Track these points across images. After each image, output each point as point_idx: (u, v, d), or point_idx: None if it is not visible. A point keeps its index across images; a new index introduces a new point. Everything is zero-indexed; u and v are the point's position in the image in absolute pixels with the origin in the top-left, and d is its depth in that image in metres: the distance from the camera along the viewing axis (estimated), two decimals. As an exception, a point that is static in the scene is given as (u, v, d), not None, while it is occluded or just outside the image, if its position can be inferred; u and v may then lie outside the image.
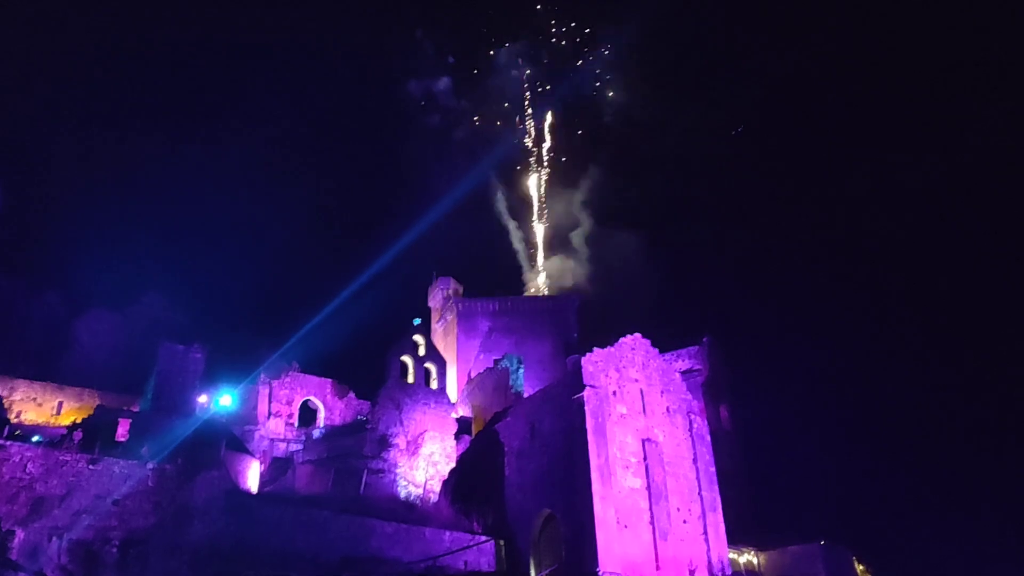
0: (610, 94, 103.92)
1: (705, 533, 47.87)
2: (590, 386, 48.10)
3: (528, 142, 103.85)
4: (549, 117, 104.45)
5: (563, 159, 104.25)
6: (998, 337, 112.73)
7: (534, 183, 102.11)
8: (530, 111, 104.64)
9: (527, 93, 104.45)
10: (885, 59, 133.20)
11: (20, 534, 37.72)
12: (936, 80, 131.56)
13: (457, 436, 61.80)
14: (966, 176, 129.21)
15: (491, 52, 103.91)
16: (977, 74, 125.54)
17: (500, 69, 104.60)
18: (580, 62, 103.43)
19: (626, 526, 45.05)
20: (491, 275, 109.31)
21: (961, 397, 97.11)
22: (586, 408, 47.11)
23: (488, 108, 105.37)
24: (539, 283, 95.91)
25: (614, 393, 49.30)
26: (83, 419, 51.38)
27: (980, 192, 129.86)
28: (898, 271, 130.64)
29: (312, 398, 64.72)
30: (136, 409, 55.06)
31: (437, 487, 57.28)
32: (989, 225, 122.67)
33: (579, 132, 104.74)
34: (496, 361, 70.62)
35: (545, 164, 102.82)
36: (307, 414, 64.49)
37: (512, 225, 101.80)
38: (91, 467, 40.71)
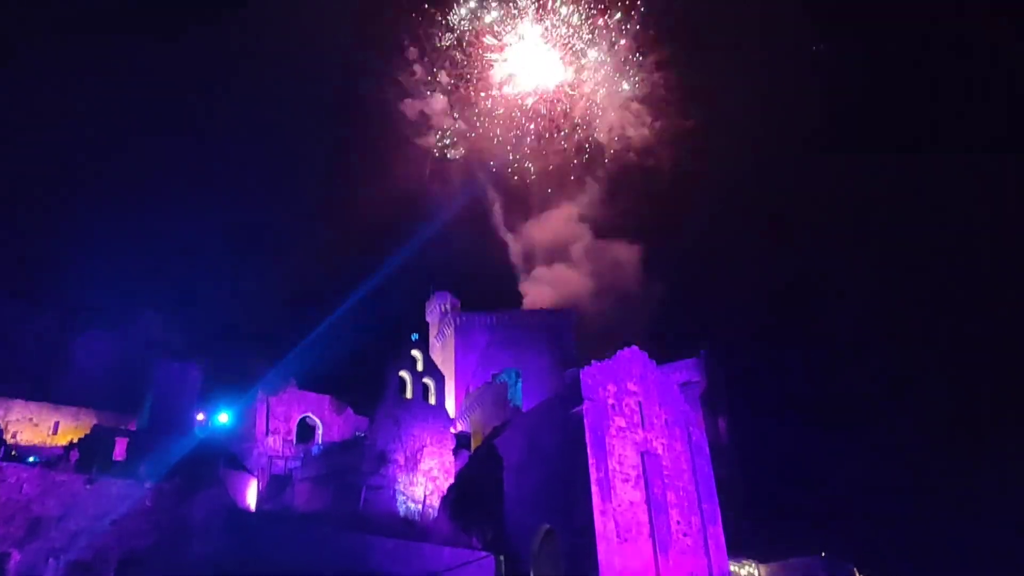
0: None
1: (706, 545, 47.70)
2: (588, 399, 48.07)
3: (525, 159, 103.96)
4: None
5: (561, 174, 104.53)
6: (1003, 344, 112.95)
7: (533, 196, 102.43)
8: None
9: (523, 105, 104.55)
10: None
11: (16, 556, 37.48)
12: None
13: (456, 451, 61.61)
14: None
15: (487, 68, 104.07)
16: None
17: (496, 85, 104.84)
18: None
19: (626, 540, 44.91)
20: (489, 289, 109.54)
21: (965, 409, 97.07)
22: (585, 422, 47.08)
23: (484, 124, 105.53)
24: (537, 297, 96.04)
25: (612, 406, 49.27)
26: (80, 439, 50.92)
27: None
28: (902, 277, 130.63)
29: (310, 415, 64.52)
30: (133, 428, 54.76)
31: (436, 503, 57.05)
32: (992, 231, 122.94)
33: (577, 147, 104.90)
34: (494, 375, 70.58)
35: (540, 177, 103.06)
36: (305, 431, 64.29)
37: (510, 238, 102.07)
38: (88, 487, 40.49)
